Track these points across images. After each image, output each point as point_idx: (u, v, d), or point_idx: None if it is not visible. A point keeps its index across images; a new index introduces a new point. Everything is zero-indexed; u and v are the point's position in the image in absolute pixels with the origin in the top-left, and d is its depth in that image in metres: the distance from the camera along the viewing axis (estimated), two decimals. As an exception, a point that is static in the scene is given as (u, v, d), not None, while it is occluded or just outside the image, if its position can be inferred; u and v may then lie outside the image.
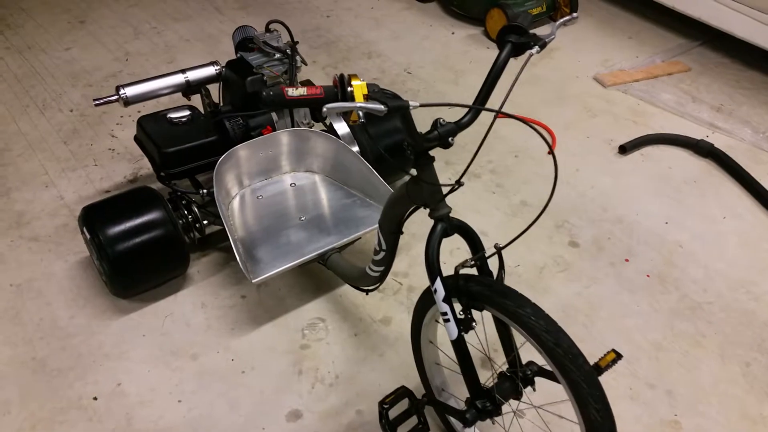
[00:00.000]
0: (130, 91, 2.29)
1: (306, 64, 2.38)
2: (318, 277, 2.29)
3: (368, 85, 1.25)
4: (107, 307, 2.17)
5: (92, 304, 2.18)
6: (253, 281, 1.94)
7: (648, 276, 2.31)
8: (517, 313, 1.36)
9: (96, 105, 2.26)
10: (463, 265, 1.45)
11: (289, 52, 2.30)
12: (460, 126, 1.42)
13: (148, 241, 2.04)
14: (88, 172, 2.75)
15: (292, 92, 1.22)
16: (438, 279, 1.46)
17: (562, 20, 1.48)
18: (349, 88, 1.24)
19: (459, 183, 1.46)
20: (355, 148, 2.38)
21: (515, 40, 1.43)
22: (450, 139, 1.39)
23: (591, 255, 2.40)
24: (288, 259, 2.04)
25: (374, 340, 2.09)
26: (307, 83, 2.50)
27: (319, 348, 2.07)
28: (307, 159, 2.36)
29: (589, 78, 3.47)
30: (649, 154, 2.93)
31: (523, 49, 1.44)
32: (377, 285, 1.89)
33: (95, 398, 1.92)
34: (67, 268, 2.31)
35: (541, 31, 3.69)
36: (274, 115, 2.36)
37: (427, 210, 1.52)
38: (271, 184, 2.33)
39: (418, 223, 2.05)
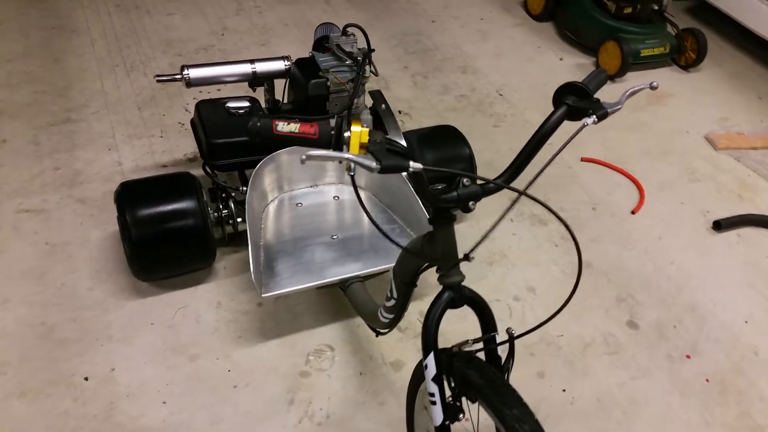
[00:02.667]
0: (193, 73, 2.22)
1: (377, 75, 2.22)
2: (341, 300, 2.14)
3: (371, 134, 1.08)
4: (127, 286, 2.14)
5: (114, 279, 2.16)
6: (263, 295, 1.82)
7: (707, 380, 1.99)
8: (503, 411, 1.15)
9: (158, 81, 2.22)
10: (462, 346, 1.26)
11: (360, 59, 2.15)
12: (486, 191, 1.21)
13: (173, 229, 1.98)
14: (152, 143, 2.75)
15: (282, 127, 1.06)
16: (432, 354, 1.27)
17: (635, 89, 1.24)
18: (346, 134, 1.06)
19: (467, 257, 1.25)
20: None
21: (572, 103, 1.20)
22: (471, 203, 1.18)
23: (649, 341, 2.10)
24: (306, 278, 1.91)
25: (379, 384, 1.92)
26: (377, 95, 2.35)
27: (319, 379, 1.93)
28: (355, 173, 2.21)
29: (700, 135, 3.09)
30: (747, 237, 2.54)
31: (580, 115, 1.21)
32: (387, 331, 1.72)
33: (86, 378, 1.88)
34: (102, 238, 2.30)
35: (641, 77, 3.38)
36: (332, 123, 2.22)
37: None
38: (314, 193, 2.21)
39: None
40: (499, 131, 2.98)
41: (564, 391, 1.94)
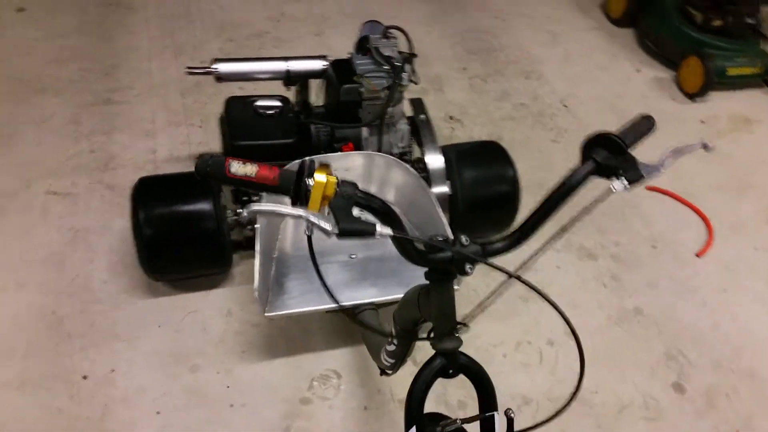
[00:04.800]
0: (223, 68, 2.11)
1: (416, 83, 2.04)
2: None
3: (341, 184, 0.91)
4: (141, 282, 2.06)
5: (129, 275, 2.09)
6: (266, 315, 1.69)
7: (760, 467, 1.74)
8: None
9: (187, 73, 2.13)
10: (448, 425, 1.08)
11: (398, 65, 1.97)
12: (488, 251, 1.02)
13: (186, 232, 1.89)
14: (189, 132, 2.67)
15: (236, 169, 0.89)
16: (414, 429, 1.11)
17: (683, 148, 1.02)
18: (309, 181, 0.90)
19: (464, 324, 1.07)
20: (444, 188, 2.03)
21: (601, 160, 1.00)
22: (469, 267, 1.00)
23: (695, 410, 1.85)
24: (315, 300, 1.76)
25: (383, 422, 1.77)
26: (418, 103, 2.17)
27: (320, 409, 1.79)
28: (384, 188, 2.05)
29: (788, 170, 2.75)
30: (830, 298, 2.23)
31: (608, 174, 1.00)
32: (390, 372, 1.56)
33: (85, 377, 1.82)
34: (124, 228, 2.23)
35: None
36: (364, 131, 2.07)
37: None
38: (339, 206, 2.06)
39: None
40: (557, 148, 2.74)
41: (588, 458, 1.74)
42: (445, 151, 2.11)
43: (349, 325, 1.99)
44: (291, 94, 2.24)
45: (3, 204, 2.27)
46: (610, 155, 1.01)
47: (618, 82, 3.19)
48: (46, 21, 3.24)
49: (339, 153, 2.02)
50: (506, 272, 0.93)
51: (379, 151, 2.06)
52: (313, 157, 1.94)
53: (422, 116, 2.12)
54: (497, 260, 1.00)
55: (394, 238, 0.95)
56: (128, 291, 2.05)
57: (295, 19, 3.45)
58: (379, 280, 1.84)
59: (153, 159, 2.52)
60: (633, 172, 0.98)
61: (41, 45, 3.08)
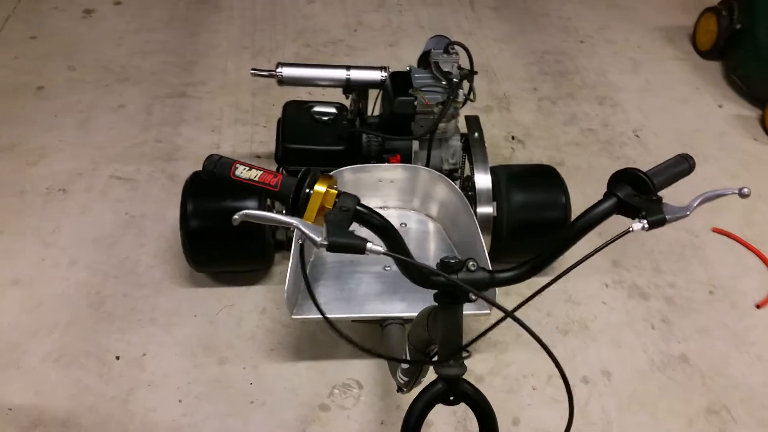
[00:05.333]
0: (286, 72, 2.16)
1: (473, 100, 2.01)
2: (386, 335, 1.98)
3: (341, 196, 0.91)
4: (184, 271, 2.13)
5: (174, 262, 2.16)
6: (292, 316, 1.71)
7: None
8: None
9: (252, 75, 2.19)
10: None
11: (456, 81, 1.95)
12: (495, 280, 0.98)
13: (229, 228, 1.93)
14: (254, 131, 2.74)
15: (241, 172, 0.93)
16: (408, 455, 1.08)
17: (715, 194, 0.94)
18: (308, 191, 0.90)
19: (464, 349, 1.03)
20: (488, 209, 1.98)
21: (623, 197, 0.94)
22: (471, 294, 0.96)
23: (734, 473, 1.72)
24: (343, 308, 1.77)
25: (398, 440, 1.74)
26: (473, 121, 2.13)
27: (337, 417, 1.78)
28: (428, 202, 2.02)
29: None
30: None
31: (630, 213, 0.94)
32: (405, 391, 1.54)
33: (117, 357, 1.89)
34: (177, 218, 2.30)
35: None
36: (415, 144, 2.05)
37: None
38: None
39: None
40: (621, 178, 2.61)
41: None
42: (496, 171, 2.07)
43: (377, 337, 1.97)
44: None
45: (69, 183, 2.41)
46: (634, 193, 0.95)
47: (697, 116, 3.02)
48: (139, 14, 3.43)
49: (385, 164, 2.01)
50: (501, 309, 0.89)
51: (427, 165, 2.04)
52: (356, 164, 1.96)
53: (476, 134, 2.08)
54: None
55: (396, 258, 0.93)
56: (171, 278, 2.12)
57: (371, 28, 3.48)
58: (410, 294, 1.81)
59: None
60: (655, 214, 0.91)
61: (131, 37, 3.26)
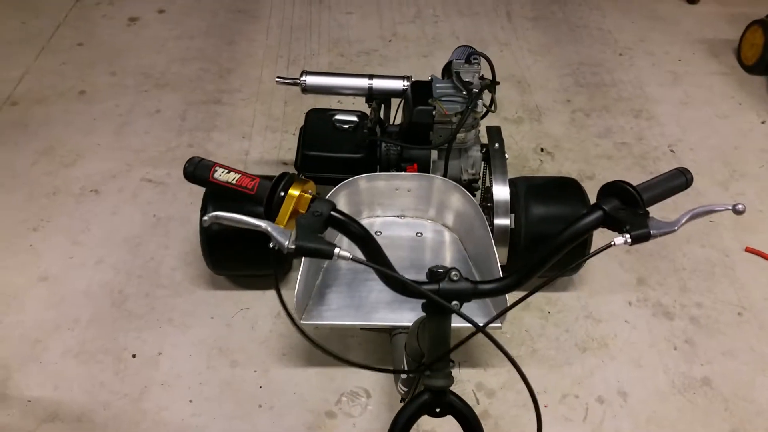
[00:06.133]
0: (310, 80, 2.19)
1: (493, 111, 1.99)
2: (398, 345, 1.97)
3: (315, 201, 0.91)
4: (204, 273, 2.17)
5: (196, 265, 2.20)
6: (301, 322, 1.71)
7: None
8: None
9: (277, 83, 2.23)
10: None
11: (474, 91, 1.93)
12: (478, 291, 0.97)
13: (247, 232, 1.96)
14: (283, 139, 2.78)
15: (219, 175, 0.95)
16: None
17: (706, 209, 0.91)
18: (282, 194, 0.91)
19: (451, 361, 1.02)
20: (505, 221, 1.95)
21: (609, 210, 0.91)
22: (454, 303, 0.95)
23: (754, 506, 1.63)
24: (352, 315, 1.77)
25: (402, 451, 1.72)
26: (494, 131, 2.11)
27: (344, 425, 1.78)
28: (443, 211, 2.01)
29: None
30: None
31: (616, 227, 0.91)
32: (403, 402, 1.52)
33: (134, 356, 1.94)
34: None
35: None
36: (433, 154, 2.04)
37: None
38: (398, 224, 2.04)
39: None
40: (653, 194, 2.54)
41: None
42: (516, 183, 2.04)
43: (387, 346, 1.96)
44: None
45: (102, 184, 2.49)
46: (620, 206, 0.93)
47: (738, 132, 2.91)
48: (180, 22, 3.53)
49: (400, 173, 2.01)
50: (471, 322, 0.88)
51: (445, 175, 2.03)
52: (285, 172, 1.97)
53: (496, 145, 2.05)
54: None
55: (367, 266, 0.93)
56: (191, 280, 2.17)
57: (406, 39, 3.49)
58: (420, 304, 1.79)
59: (244, 159, 2.65)
60: (639, 229, 0.88)
61: (172, 44, 3.36)
